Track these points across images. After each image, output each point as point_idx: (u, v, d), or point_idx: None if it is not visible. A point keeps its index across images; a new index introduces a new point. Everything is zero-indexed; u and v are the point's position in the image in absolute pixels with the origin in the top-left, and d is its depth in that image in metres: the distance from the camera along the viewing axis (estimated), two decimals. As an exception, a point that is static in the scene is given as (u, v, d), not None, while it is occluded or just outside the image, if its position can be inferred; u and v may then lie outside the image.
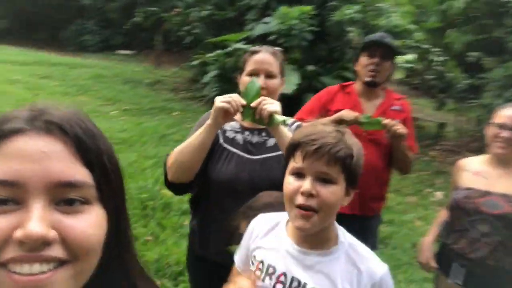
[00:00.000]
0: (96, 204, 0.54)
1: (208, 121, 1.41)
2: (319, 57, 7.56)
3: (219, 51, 6.99)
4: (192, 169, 1.45)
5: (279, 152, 1.51)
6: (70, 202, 0.52)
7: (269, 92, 1.50)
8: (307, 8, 6.51)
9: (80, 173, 0.53)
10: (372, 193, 2.13)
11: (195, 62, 7.70)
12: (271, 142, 1.56)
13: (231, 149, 1.55)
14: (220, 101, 1.37)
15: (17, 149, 0.51)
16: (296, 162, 0.96)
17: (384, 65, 2.09)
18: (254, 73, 1.53)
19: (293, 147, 0.98)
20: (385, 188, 2.24)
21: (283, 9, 6.55)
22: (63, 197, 0.51)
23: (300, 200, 0.93)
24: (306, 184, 0.93)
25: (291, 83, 6.28)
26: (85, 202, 0.53)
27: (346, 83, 2.28)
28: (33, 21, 16.18)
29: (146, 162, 4.51)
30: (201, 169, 1.49)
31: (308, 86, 6.60)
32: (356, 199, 2.05)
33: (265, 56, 1.55)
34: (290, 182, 0.97)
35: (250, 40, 7.44)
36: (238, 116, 1.57)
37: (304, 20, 6.54)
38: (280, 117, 1.38)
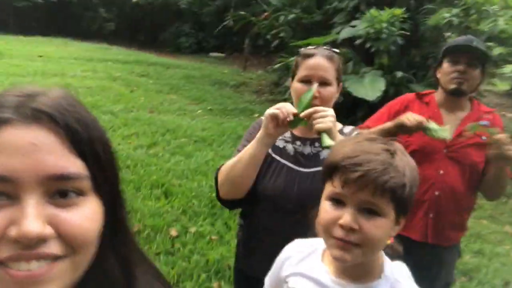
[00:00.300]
0: (91, 195, 0.53)
1: (260, 132, 1.32)
2: (410, 63, 7.10)
3: (302, 55, 6.91)
4: (244, 186, 1.37)
5: None
6: (64, 195, 0.51)
7: (323, 101, 1.37)
8: (399, 11, 6.14)
9: (73, 165, 0.51)
10: (450, 220, 1.87)
11: (277, 66, 7.71)
12: (324, 154, 1.43)
13: (280, 160, 1.44)
14: (272, 108, 1.30)
15: (6, 142, 0.49)
16: (334, 187, 0.82)
17: (471, 73, 1.81)
18: (306, 80, 1.39)
19: (331, 169, 0.84)
20: (467, 216, 1.95)
21: (372, 12, 6.25)
22: (57, 189, 0.50)
23: (338, 233, 0.80)
24: (346, 216, 0.79)
25: (376, 89, 5.98)
26: (80, 193, 0.52)
27: (425, 92, 2.02)
28: (137, 24, 17.70)
29: (221, 161, 4.55)
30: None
31: (396, 94, 6.18)
32: (430, 225, 1.84)
33: (319, 61, 1.40)
34: (327, 210, 0.83)
35: (335, 44, 7.26)
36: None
37: (394, 24, 6.18)
38: (328, 140, 1.22)
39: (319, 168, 1.38)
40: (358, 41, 6.65)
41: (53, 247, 0.49)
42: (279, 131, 1.31)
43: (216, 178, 1.44)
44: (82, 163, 0.52)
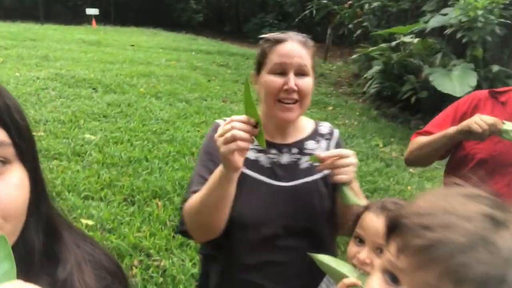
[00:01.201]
0: (16, 162, 0.54)
1: (220, 170, 1.00)
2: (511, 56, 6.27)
3: (383, 45, 6.46)
4: (218, 228, 1.08)
5: (318, 176, 1.14)
6: None
7: (302, 96, 1.09)
8: (500, -4, 5.41)
9: None
10: None
11: (355, 56, 7.33)
12: (305, 162, 1.16)
13: (254, 175, 1.13)
14: (222, 140, 0.93)
15: None
16: (389, 252, 0.56)
17: None
18: (280, 70, 1.09)
19: (391, 227, 0.58)
20: None
21: (468, -3, 5.60)
22: None
23: None
24: None
25: (465, 84, 5.37)
26: (6, 161, 0.52)
27: (500, 89, 1.63)
28: (223, 15, 18.17)
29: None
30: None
31: (489, 90, 5.54)
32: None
33: (294, 47, 1.10)
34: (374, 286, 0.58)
35: (423, 33, 6.67)
36: None
37: (493, 11, 5.46)
38: (352, 197, 1.01)
39: (302, 181, 1.15)
40: (448, 31, 6.03)
41: None
42: (244, 156, 0.97)
43: (181, 215, 1.14)
44: (3, 131, 0.52)
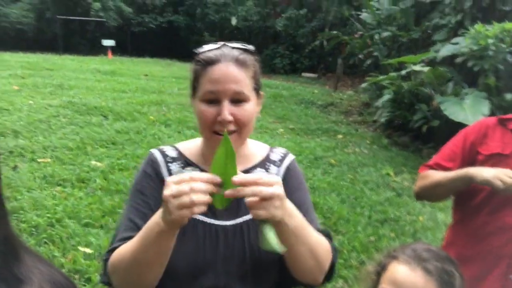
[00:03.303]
0: None
1: (157, 223, 0.81)
2: (525, 84, 6.15)
3: (393, 74, 6.44)
4: (149, 286, 0.91)
5: None
6: None
7: (240, 125, 0.93)
8: (511, 25, 5.36)
9: None
10: None
11: (364, 84, 7.31)
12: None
13: None
14: (176, 205, 0.74)
15: None
16: None
17: None
18: (212, 98, 0.92)
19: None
20: None
21: (478, 27, 5.57)
22: None
23: None
24: None
25: (478, 113, 5.25)
26: None
27: (509, 116, 1.50)
28: (236, 46, 18.61)
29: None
30: None
31: (503, 119, 5.40)
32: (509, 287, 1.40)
33: (227, 69, 0.91)
34: None
35: (433, 63, 6.63)
36: (195, 158, 1.04)
37: (504, 40, 5.41)
38: (274, 241, 0.79)
39: (248, 217, 0.96)
40: (459, 59, 5.98)
41: None
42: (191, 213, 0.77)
43: (105, 261, 0.96)
44: None
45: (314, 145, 6.00)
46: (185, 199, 0.74)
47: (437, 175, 1.50)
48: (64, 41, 18.19)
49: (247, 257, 0.95)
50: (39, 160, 4.16)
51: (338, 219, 3.62)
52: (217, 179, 0.77)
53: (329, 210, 3.77)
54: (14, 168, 3.92)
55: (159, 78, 10.90)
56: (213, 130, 0.93)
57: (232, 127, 0.92)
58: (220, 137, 0.90)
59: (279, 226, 0.81)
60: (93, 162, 4.21)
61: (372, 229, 3.50)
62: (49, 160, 4.19)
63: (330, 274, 0.97)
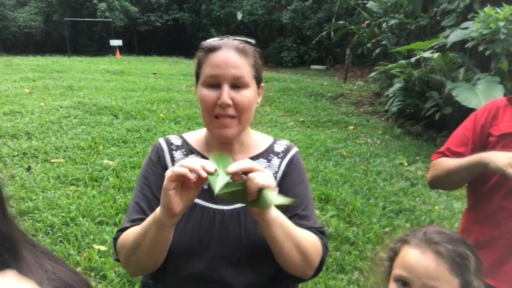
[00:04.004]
0: None
1: (159, 213, 0.85)
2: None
3: (402, 61, 6.34)
4: (154, 266, 0.96)
5: None
6: None
7: (239, 111, 0.96)
8: (522, 6, 5.23)
9: None
10: None
11: (374, 74, 7.21)
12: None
13: None
14: (173, 168, 0.80)
15: None
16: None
17: None
18: (213, 83, 0.96)
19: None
20: None
21: (488, 10, 5.44)
22: None
23: None
24: None
25: (490, 98, 5.13)
26: None
27: None
28: (243, 41, 18.56)
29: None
30: None
31: (517, 104, 5.29)
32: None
33: (227, 55, 0.96)
34: None
35: (444, 49, 6.51)
36: (199, 146, 1.08)
37: (516, 22, 5.29)
38: (273, 196, 0.80)
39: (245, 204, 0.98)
40: (470, 44, 5.86)
41: None
42: (187, 202, 0.83)
43: (115, 239, 1.02)
44: None
45: (325, 137, 5.95)
46: (186, 161, 0.80)
47: (448, 163, 1.46)
48: (72, 43, 18.33)
49: (243, 242, 0.97)
50: (52, 160, 4.21)
51: (352, 210, 3.58)
52: (212, 167, 0.80)
53: (342, 201, 3.73)
54: (28, 169, 3.97)
55: (167, 76, 10.93)
56: (214, 115, 0.97)
57: (231, 111, 0.95)
58: (220, 121, 0.96)
59: (266, 214, 0.85)
60: (105, 161, 4.24)
61: (387, 220, 3.46)
62: (61, 160, 4.23)
63: (319, 269, 1.00)
